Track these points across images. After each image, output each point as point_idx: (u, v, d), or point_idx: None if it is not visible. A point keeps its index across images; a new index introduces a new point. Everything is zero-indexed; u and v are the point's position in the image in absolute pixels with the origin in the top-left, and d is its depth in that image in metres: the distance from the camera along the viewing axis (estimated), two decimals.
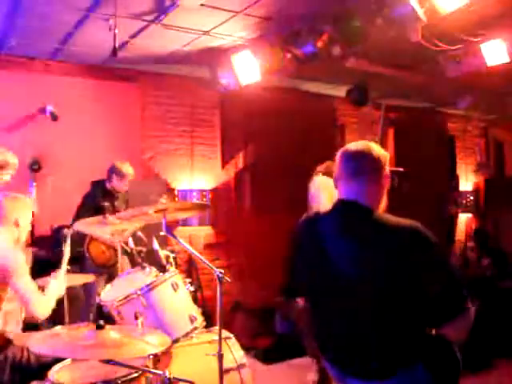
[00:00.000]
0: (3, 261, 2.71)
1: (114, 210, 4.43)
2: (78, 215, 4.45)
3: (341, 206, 1.94)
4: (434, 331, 1.85)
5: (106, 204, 4.61)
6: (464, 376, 1.87)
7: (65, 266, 3.15)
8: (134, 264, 4.01)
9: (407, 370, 1.81)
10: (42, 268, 3.23)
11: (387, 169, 1.95)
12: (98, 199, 4.62)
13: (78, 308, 4.31)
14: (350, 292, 1.84)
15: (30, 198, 3.03)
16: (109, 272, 4.48)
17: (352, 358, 1.88)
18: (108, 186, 4.74)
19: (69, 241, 3.31)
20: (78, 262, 4.54)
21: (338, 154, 1.99)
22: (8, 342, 2.71)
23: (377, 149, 1.95)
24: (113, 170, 4.71)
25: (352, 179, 1.92)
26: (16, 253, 2.80)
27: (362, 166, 1.92)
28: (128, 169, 4.74)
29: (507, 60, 4.54)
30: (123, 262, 4.51)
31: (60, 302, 3.09)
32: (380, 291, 1.79)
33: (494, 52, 4.56)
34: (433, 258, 1.79)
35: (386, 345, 1.81)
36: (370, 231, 1.84)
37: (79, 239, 4.42)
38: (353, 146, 1.98)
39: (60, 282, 3.04)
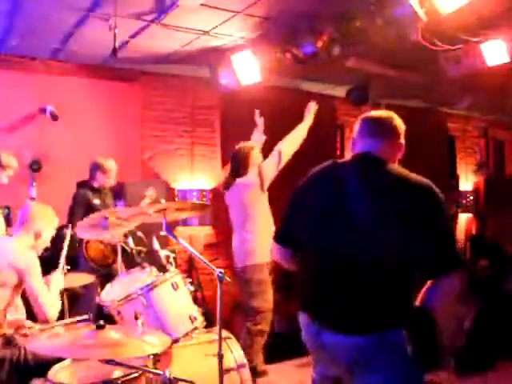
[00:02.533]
0: (20, 262, 2.77)
1: (105, 207, 4.44)
2: (72, 216, 4.46)
3: (360, 156, 2.06)
4: (418, 302, 1.87)
5: (97, 202, 4.62)
6: (467, 376, 1.87)
7: (63, 261, 3.18)
8: (131, 264, 4.00)
9: (388, 330, 1.83)
10: (42, 267, 3.23)
11: (402, 139, 2.13)
12: (88, 198, 4.62)
13: (78, 308, 4.30)
14: (355, 236, 1.88)
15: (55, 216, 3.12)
16: (106, 271, 4.49)
17: (338, 309, 1.89)
18: (94, 183, 4.73)
19: (68, 239, 3.33)
20: (76, 262, 4.55)
21: (360, 119, 2.13)
22: (8, 341, 2.72)
23: (396, 119, 2.13)
24: (95, 167, 4.71)
25: (368, 138, 2.06)
26: (32, 254, 2.88)
27: (382, 127, 2.08)
28: (111, 163, 4.74)
29: (507, 60, 4.54)
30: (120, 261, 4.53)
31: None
32: (383, 236, 1.83)
33: (494, 52, 4.56)
34: (439, 213, 1.87)
35: (378, 299, 1.84)
36: (386, 178, 1.95)
37: (77, 239, 4.42)
38: (374, 112, 2.15)
39: (59, 278, 3.08)
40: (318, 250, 2.00)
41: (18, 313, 2.92)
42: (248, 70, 4.83)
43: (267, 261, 3.88)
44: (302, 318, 2.06)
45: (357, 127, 2.12)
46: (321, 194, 2.05)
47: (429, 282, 1.86)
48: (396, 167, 2.02)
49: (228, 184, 4.12)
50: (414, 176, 1.95)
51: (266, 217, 4.02)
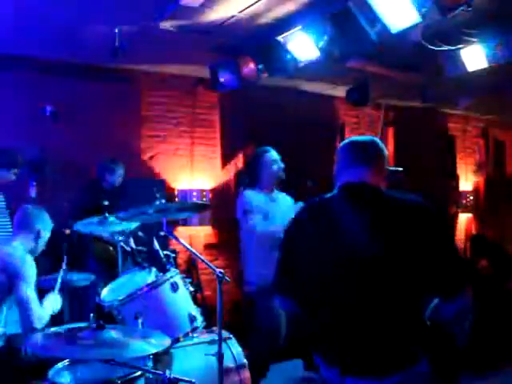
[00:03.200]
0: (17, 266, 2.75)
1: (114, 208, 4.44)
2: (80, 216, 4.45)
3: (349, 187, 1.97)
4: (429, 316, 1.85)
5: (106, 203, 4.62)
6: (468, 378, 1.87)
7: (59, 281, 3.14)
8: (131, 264, 4.01)
9: (413, 364, 1.79)
10: (41, 267, 3.23)
11: (386, 164, 2.04)
12: (98, 200, 4.63)
13: (78, 308, 4.30)
14: (363, 272, 1.80)
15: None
16: (111, 271, 4.49)
17: (356, 354, 1.82)
18: (104, 184, 4.78)
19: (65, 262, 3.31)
20: (80, 262, 4.55)
21: (343, 145, 2.05)
22: (9, 342, 2.72)
23: (380, 143, 2.05)
24: (104, 168, 4.80)
25: (358, 165, 1.97)
26: (30, 261, 2.86)
27: (368, 154, 1.99)
28: (117, 162, 4.83)
29: (507, 60, 4.53)
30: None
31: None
32: (392, 267, 1.78)
33: (494, 52, 4.55)
34: (438, 232, 1.83)
35: (395, 336, 1.79)
36: (380, 209, 1.87)
37: (81, 239, 4.42)
38: (358, 137, 2.10)
39: (55, 298, 3.04)
40: (327, 297, 1.90)
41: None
42: (249, 69, 4.83)
43: None
44: (322, 367, 1.97)
45: (340, 154, 2.04)
46: (315, 236, 1.95)
47: (441, 301, 1.84)
48: (387, 193, 1.94)
49: None
50: (407, 199, 1.87)
51: None
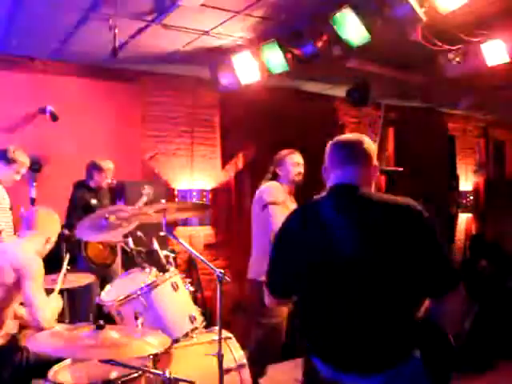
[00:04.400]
0: (26, 266, 2.76)
1: (102, 207, 4.45)
2: (70, 217, 4.47)
3: (337, 189, 1.99)
4: (422, 314, 1.86)
5: (94, 202, 4.63)
6: (466, 377, 1.88)
7: (60, 282, 3.15)
8: (131, 264, 4.00)
9: (407, 359, 1.81)
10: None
11: (375, 162, 2.03)
12: (85, 198, 4.63)
13: (78, 308, 4.31)
14: (352, 275, 1.83)
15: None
16: (105, 272, 4.49)
17: (350, 351, 1.85)
18: (91, 183, 4.76)
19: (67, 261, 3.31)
20: (75, 261, 4.55)
21: (330, 145, 2.06)
22: (10, 341, 2.72)
23: (367, 140, 2.04)
24: (92, 167, 4.75)
25: (345, 165, 1.98)
26: (39, 262, 2.86)
27: (354, 153, 1.99)
28: (107, 162, 4.79)
29: (507, 60, 4.54)
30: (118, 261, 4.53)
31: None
32: (380, 270, 1.80)
33: (494, 52, 4.55)
34: (426, 233, 1.83)
35: (387, 332, 1.81)
36: (368, 211, 1.88)
37: (76, 238, 4.43)
38: (344, 136, 2.09)
39: (56, 299, 3.04)
40: (319, 298, 1.94)
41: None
42: (248, 69, 4.82)
43: None
44: (315, 364, 1.99)
45: (327, 154, 2.05)
46: (306, 239, 1.97)
47: (431, 301, 1.85)
48: (375, 194, 1.96)
49: None
50: (395, 201, 1.88)
51: None
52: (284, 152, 3.85)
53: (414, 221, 1.83)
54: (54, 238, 3.06)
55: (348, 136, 2.11)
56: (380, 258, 1.80)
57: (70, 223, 4.27)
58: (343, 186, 1.97)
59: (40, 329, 2.68)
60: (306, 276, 1.97)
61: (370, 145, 2.04)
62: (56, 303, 2.96)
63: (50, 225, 3.03)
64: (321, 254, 1.91)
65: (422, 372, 1.82)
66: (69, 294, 3.48)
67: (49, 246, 3.05)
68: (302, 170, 3.83)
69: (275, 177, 3.84)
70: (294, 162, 3.79)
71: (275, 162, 3.84)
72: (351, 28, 3.98)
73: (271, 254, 2.11)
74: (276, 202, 3.62)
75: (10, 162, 4.09)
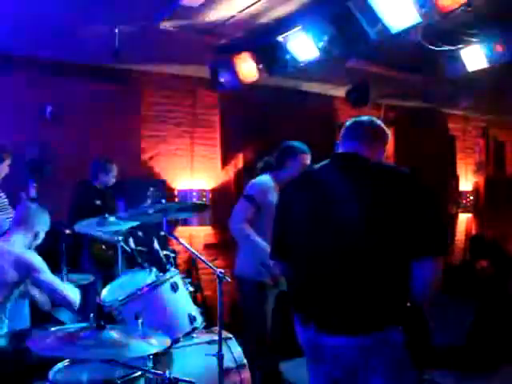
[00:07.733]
0: (27, 261, 2.79)
1: (107, 208, 4.45)
2: (73, 215, 4.46)
3: (340, 155, 2.10)
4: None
5: (98, 202, 4.63)
6: (469, 378, 1.88)
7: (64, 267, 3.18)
8: (131, 264, 4.00)
9: (391, 328, 1.83)
10: None
11: (384, 144, 2.13)
12: (90, 198, 4.63)
13: (78, 308, 4.30)
14: (347, 232, 1.88)
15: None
16: (109, 272, 4.48)
17: (332, 311, 1.89)
18: (96, 184, 4.75)
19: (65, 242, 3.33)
20: (80, 262, 4.55)
21: (347, 122, 2.17)
22: (11, 342, 2.72)
23: (378, 123, 2.14)
24: (98, 167, 4.76)
25: (353, 139, 2.09)
26: (34, 253, 2.93)
27: (365, 131, 2.10)
28: (111, 162, 4.80)
29: (507, 60, 4.54)
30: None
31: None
32: (375, 228, 1.84)
33: (494, 52, 4.55)
34: (420, 198, 1.88)
35: (378, 295, 1.84)
36: (369, 175, 1.96)
37: (79, 240, 4.43)
38: (360, 117, 2.18)
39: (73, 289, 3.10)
40: (310, 255, 1.99)
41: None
42: (248, 70, 4.82)
43: None
44: (299, 322, 2.05)
45: (343, 128, 2.17)
46: (303, 200, 2.05)
47: (413, 266, 1.86)
48: (378, 163, 2.05)
49: None
50: (393, 167, 2.01)
51: None
52: (299, 147, 3.60)
53: (410, 185, 1.90)
54: (42, 235, 3.07)
55: (364, 116, 2.19)
56: (373, 217, 1.85)
57: (71, 223, 4.27)
58: (346, 153, 2.08)
59: (72, 308, 2.87)
60: (301, 234, 2.04)
61: (382, 127, 2.13)
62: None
63: (39, 221, 3.05)
64: (318, 213, 1.98)
65: (402, 342, 1.83)
66: None
67: (36, 242, 3.06)
68: None
69: (269, 167, 3.68)
70: (305, 163, 3.58)
71: (287, 153, 3.58)
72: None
73: (274, 219, 2.19)
74: (253, 199, 3.51)
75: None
